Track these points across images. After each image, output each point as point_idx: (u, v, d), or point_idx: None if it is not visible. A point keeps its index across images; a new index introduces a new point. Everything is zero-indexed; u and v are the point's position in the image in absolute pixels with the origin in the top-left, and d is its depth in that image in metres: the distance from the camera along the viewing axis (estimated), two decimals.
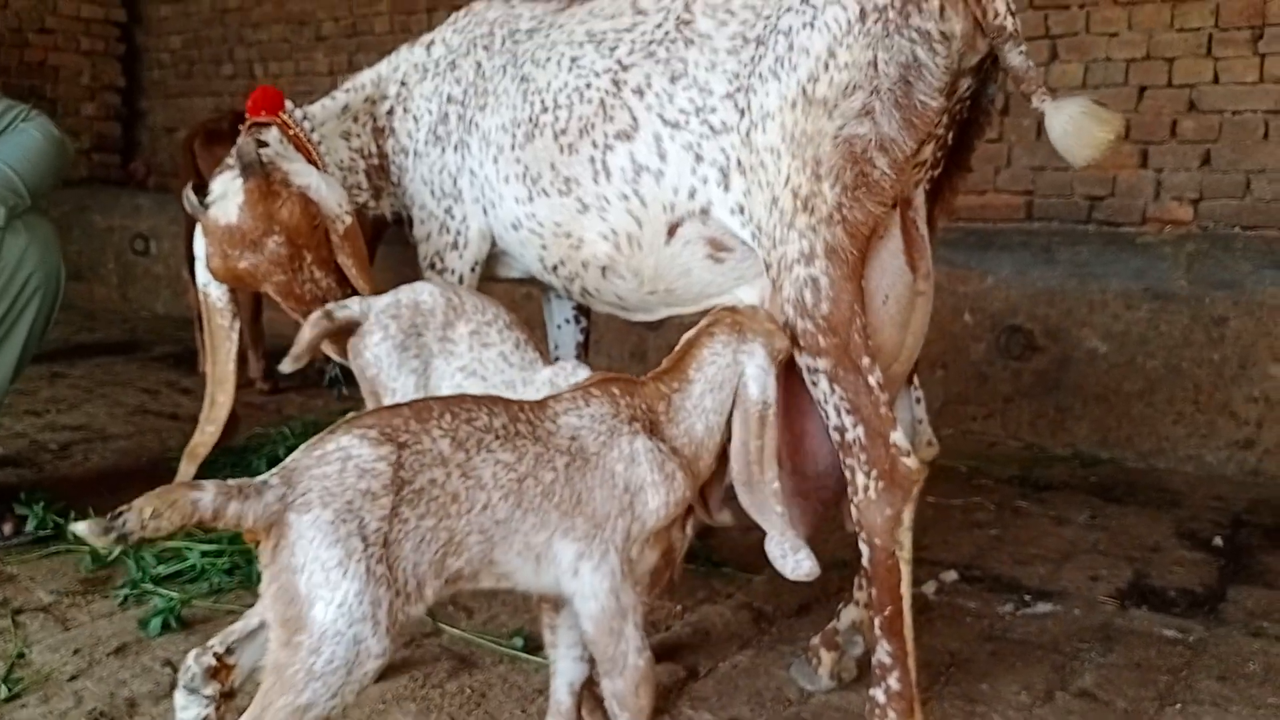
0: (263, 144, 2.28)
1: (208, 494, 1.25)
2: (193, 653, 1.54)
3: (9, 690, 1.96)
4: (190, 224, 4.41)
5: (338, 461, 1.32)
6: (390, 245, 4.88)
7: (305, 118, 2.45)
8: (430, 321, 1.99)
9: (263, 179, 2.16)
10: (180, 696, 1.54)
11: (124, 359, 5.11)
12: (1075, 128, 1.64)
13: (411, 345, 1.98)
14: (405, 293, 2.04)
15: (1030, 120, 4.41)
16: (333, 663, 1.27)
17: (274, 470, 1.33)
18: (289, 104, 2.45)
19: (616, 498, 1.53)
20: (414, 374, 1.96)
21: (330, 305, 2.03)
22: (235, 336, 2.39)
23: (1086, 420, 3.82)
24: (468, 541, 1.40)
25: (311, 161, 2.36)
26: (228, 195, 2.18)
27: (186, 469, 2.44)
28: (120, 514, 1.21)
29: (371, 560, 1.29)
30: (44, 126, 2.63)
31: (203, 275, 2.34)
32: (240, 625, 1.55)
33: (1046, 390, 3.89)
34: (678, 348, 1.72)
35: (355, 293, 2.29)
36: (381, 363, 1.97)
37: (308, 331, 2.00)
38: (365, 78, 2.52)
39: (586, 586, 1.52)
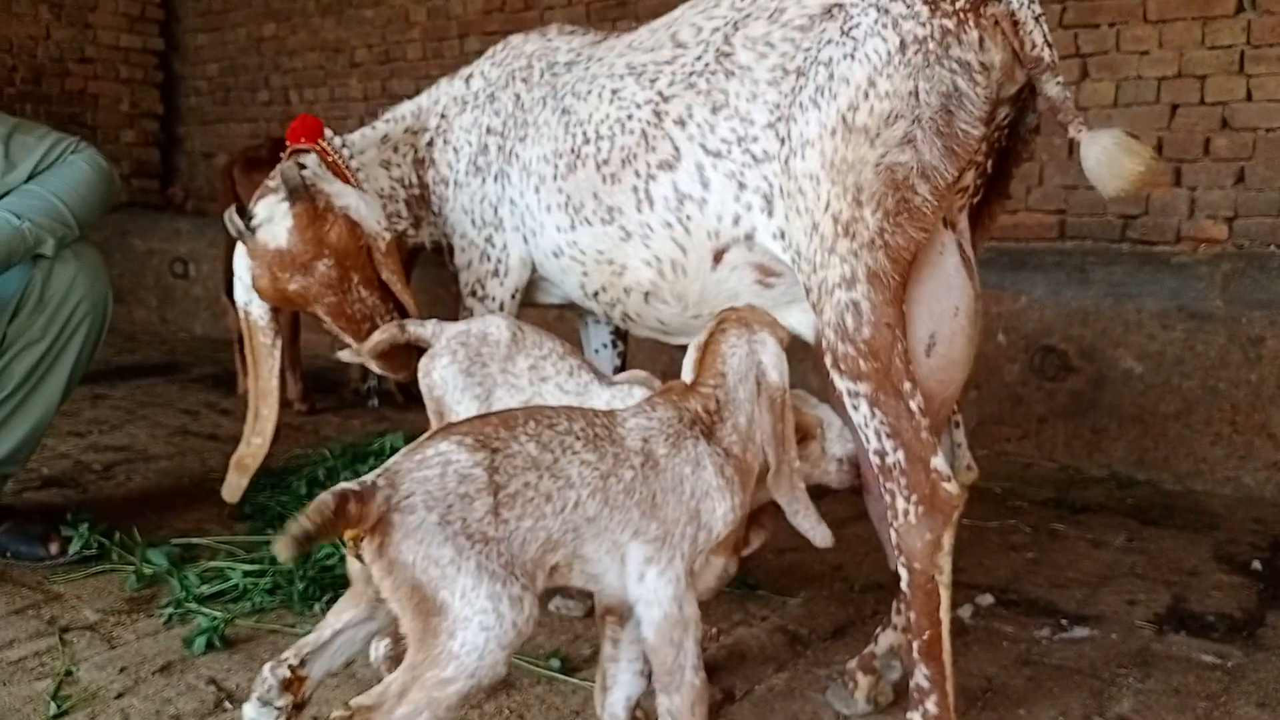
0: (302, 167, 2.33)
1: (332, 499, 1.33)
2: (268, 665, 1.58)
3: (58, 708, 2.00)
4: (229, 246, 4.49)
5: (438, 466, 1.40)
6: (424, 267, 4.94)
7: (344, 145, 2.50)
8: (495, 353, 2.08)
9: (309, 203, 2.21)
10: (251, 709, 1.58)
11: (164, 380, 5.19)
12: (1108, 159, 1.66)
13: (476, 373, 2.07)
14: (476, 323, 2.14)
15: (1062, 139, 4.41)
16: (465, 645, 1.35)
17: (377, 472, 1.41)
18: (328, 132, 2.50)
19: (684, 503, 1.60)
20: (477, 400, 2.03)
21: (408, 320, 2.12)
22: (277, 354, 2.45)
23: (1122, 441, 3.80)
24: (564, 539, 1.48)
25: (345, 180, 2.42)
26: (275, 219, 2.23)
27: (237, 481, 2.49)
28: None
29: (480, 557, 1.37)
30: (92, 158, 2.69)
31: (243, 295, 2.39)
32: (313, 637, 1.59)
33: (1082, 411, 3.87)
34: (694, 354, 1.78)
35: (400, 308, 2.35)
36: (447, 385, 2.07)
37: (379, 335, 2.14)
38: (405, 109, 2.58)
39: (651, 592, 1.57)
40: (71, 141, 2.68)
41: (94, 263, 2.69)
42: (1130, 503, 3.51)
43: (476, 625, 1.35)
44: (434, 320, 2.17)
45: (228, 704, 2.04)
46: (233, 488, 2.53)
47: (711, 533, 1.63)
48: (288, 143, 2.49)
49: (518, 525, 1.43)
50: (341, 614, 1.60)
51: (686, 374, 1.78)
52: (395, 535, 1.35)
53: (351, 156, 2.48)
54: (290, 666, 1.56)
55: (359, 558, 1.39)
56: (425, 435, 1.51)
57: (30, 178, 2.58)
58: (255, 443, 2.49)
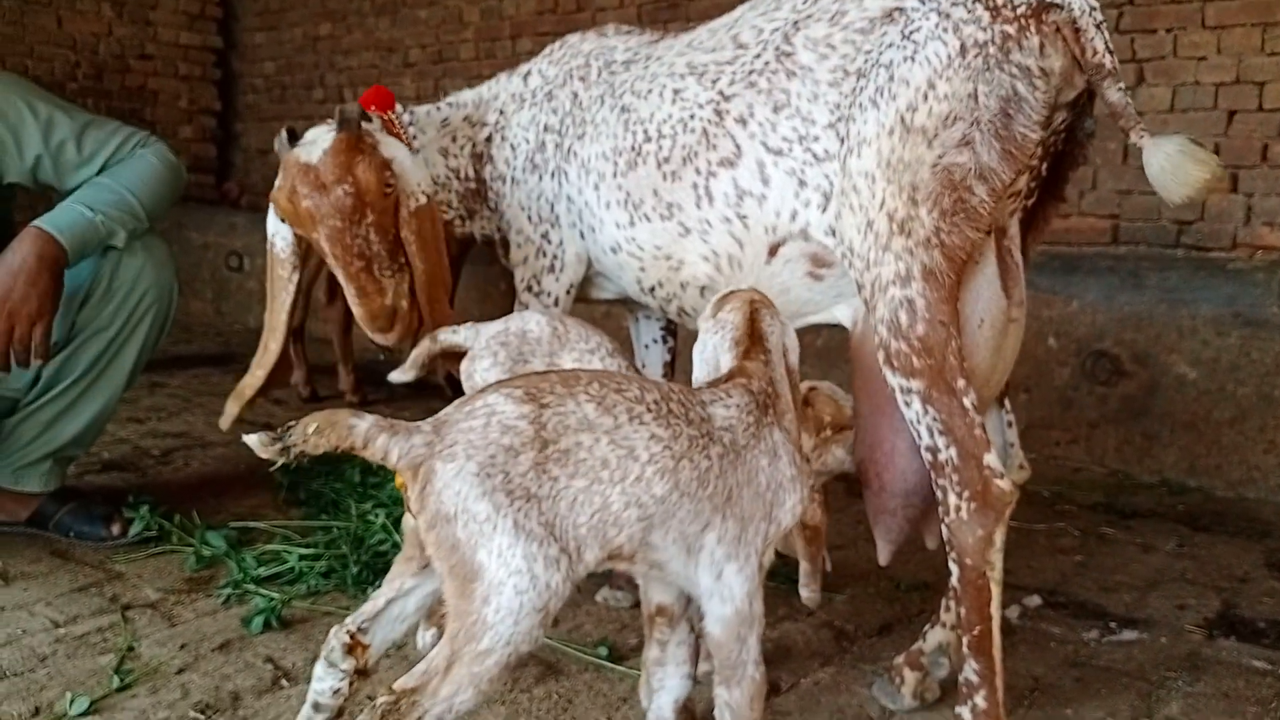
0: (367, 119, 2.38)
1: (364, 423, 1.34)
2: (334, 629, 1.62)
3: (121, 681, 2.06)
4: None
5: (483, 416, 1.37)
6: (474, 265, 4.99)
7: (412, 121, 2.54)
8: (537, 350, 2.07)
9: (354, 136, 2.26)
10: (319, 668, 1.62)
11: (219, 370, 5.29)
12: (1172, 166, 1.65)
13: (520, 372, 2.04)
14: (514, 321, 2.14)
15: (1116, 144, 4.37)
16: (500, 612, 1.32)
17: (427, 419, 1.40)
18: (399, 106, 2.55)
19: (761, 496, 1.57)
20: None
21: (439, 331, 2.14)
22: (293, 288, 2.50)
23: (1174, 448, 3.76)
24: (626, 516, 1.42)
25: None
26: (316, 142, 2.30)
27: (231, 408, 2.59)
28: (288, 427, 1.32)
29: (519, 515, 1.33)
30: (161, 153, 2.76)
31: (271, 224, 2.44)
32: (369, 606, 1.63)
33: (1133, 416, 3.84)
34: (723, 336, 1.74)
35: (408, 267, 2.36)
36: None
37: (417, 351, 2.15)
38: (467, 97, 2.61)
39: (727, 589, 1.55)
40: (142, 136, 2.75)
41: (161, 254, 2.75)
42: (1181, 509, 3.47)
43: (511, 589, 1.32)
44: (467, 325, 2.17)
45: (284, 682, 2.09)
46: (228, 416, 2.62)
47: (780, 526, 1.60)
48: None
49: (569, 484, 1.37)
50: (394, 580, 1.64)
51: (723, 353, 1.74)
52: (436, 484, 1.34)
53: (415, 136, 2.52)
54: (350, 632, 1.61)
55: (410, 510, 1.39)
56: (481, 389, 1.48)
57: (101, 170, 2.65)
58: (257, 374, 2.56)
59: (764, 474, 1.58)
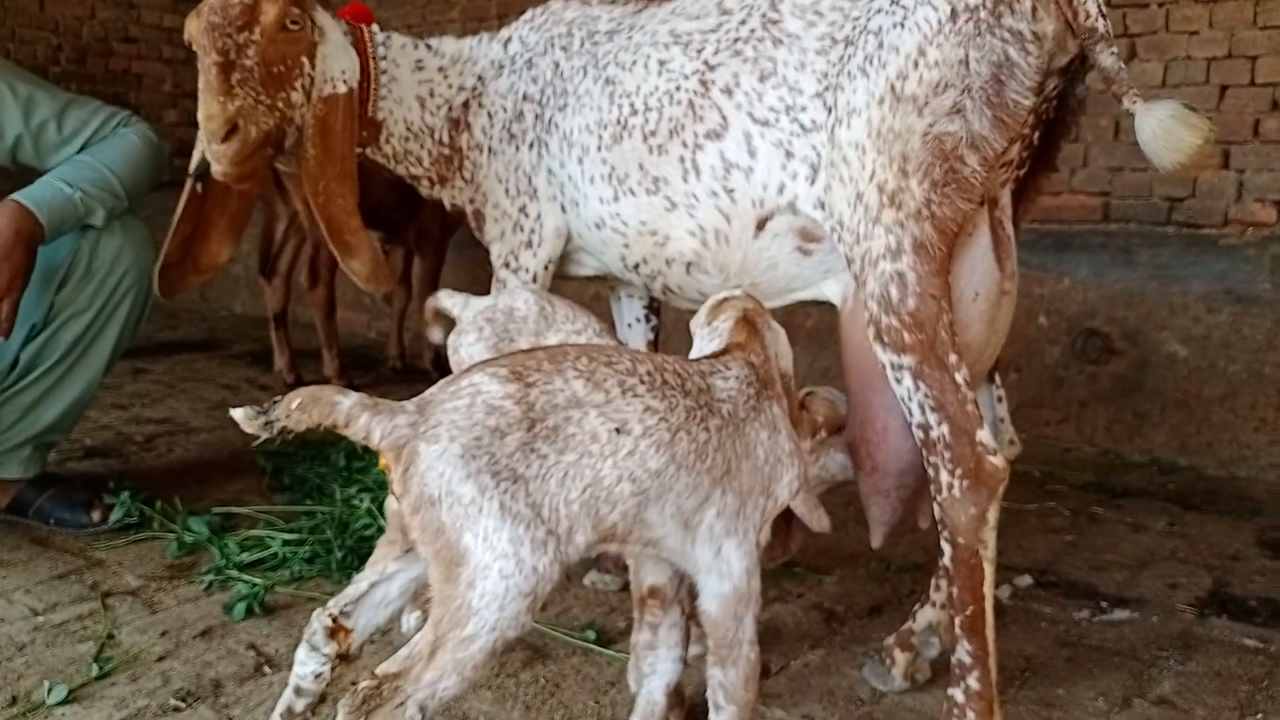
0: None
1: (348, 400, 1.31)
2: (316, 612, 1.59)
3: (100, 669, 2.03)
4: (267, 227, 4.52)
5: (468, 396, 1.34)
6: (461, 249, 4.96)
7: (384, 44, 2.46)
8: (524, 328, 2.03)
9: (293, 3, 2.22)
10: (301, 652, 1.59)
11: (204, 356, 5.24)
12: (1164, 131, 1.62)
13: (505, 350, 2.01)
14: (503, 298, 2.11)
15: (1108, 120, 4.34)
16: (485, 597, 1.29)
17: (412, 399, 1.37)
18: (376, 28, 2.48)
19: (759, 471, 1.54)
20: None
21: (440, 292, 2.13)
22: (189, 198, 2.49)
23: (1165, 426, 3.75)
24: (619, 491, 1.38)
25: (365, 75, 2.40)
26: None
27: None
28: (272, 402, 1.29)
29: (505, 496, 1.30)
30: (143, 132, 2.71)
31: (195, 157, 2.43)
32: (352, 590, 1.60)
33: (1124, 395, 3.82)
34: (732, 329, 1.70)
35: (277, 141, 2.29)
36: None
37: (429, 314, 2.20)
38: (447, 48, 2.49)
39: (725, 565, 1.52)
40: (123, 115, 2.70)
41: (140, 235, 2.71)
42: (1171, 488, 3.46)
43: (496, 573, 1.29)
44: (462, 297, 2.15)
45: (267, 668, 2.06)
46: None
47: (777, 502, 1.57)
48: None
49: (558, 460, 1.34)
50: (376, 564, 1.61)
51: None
52: (419, 465, 1.30)
53: (384, 62, 2.45)
54: (332, 616, 1.58)
55: (394, 492, 1.36)
56: (466, 368, 1.45)
57: (82, 150, 2.60)
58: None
59: (763, 447, 1.55)
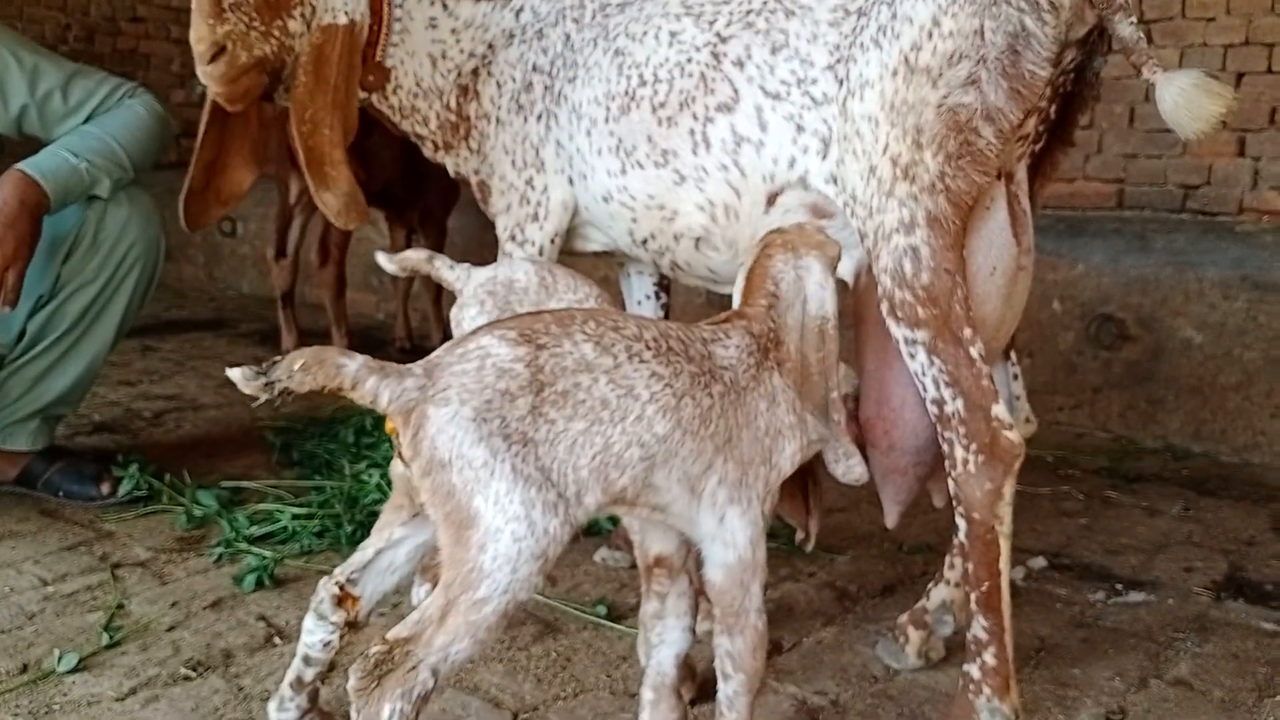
0: None
1: (354, 363, 1.29)
2: (323, 580, 1.58)
3: (110, 638, 2.02)
4: (282, 205, 4.51)
5: (476, 359, 1.32)
6: (466, 214, 4.92)
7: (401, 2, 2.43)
8: (525, 300, 2.01)
9: None
10: (309, 620, 1.59)
11: (212, 335, 5.23)
12: (1186, 100, 1.60)
13: None
14: (503, 269, 2.08)
15: (1123, 106, 4.31)
16: (497, 559, 1.28)
17: (418, 362, 1.35)
18: None
19: (760, 441, 1.52)
20: None
21: (439, 258, 2.09)
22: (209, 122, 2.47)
23: (1179, 413, 3.72)
24: (629, 456, 1.38)
25: (378, 18, 2.37)
26: None
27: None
28: (273, 362, 1.27)
29: (516, 460, 1.29)
30: (148, 103, 2.70)
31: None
32: (358, 557, 1.59)
33: (1138, 381, 3.79)
34: (741, 280, 1.69)
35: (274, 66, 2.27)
36: None
37: (412, 253, 2.12)
38: (462, 10, 2.44)
39: (729, 534, 1.51)
40: (129, 86, 2.69)
41: (146, 206, 2.69)
42: (1186, 474, 3.44)
43: (509, 536, 1.28)
44: (464, 267, 2.13)
45: (278, 639, 2.06)
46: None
47: (781, 474, 1.56)
48: None
49: (567, 427, 1.33)
50: (383, 530, 1.59)
51: (736, 294, 1.70)
52: (429, 429, 1.29)
53: (400, 5, 2.41)
54: (339, 583, 1.57)
55: (401, 456, 1.34)
56: (472, 330, 1.43)
57: (88, 120, 2.59)
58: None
59: (762, 418, 1.53)
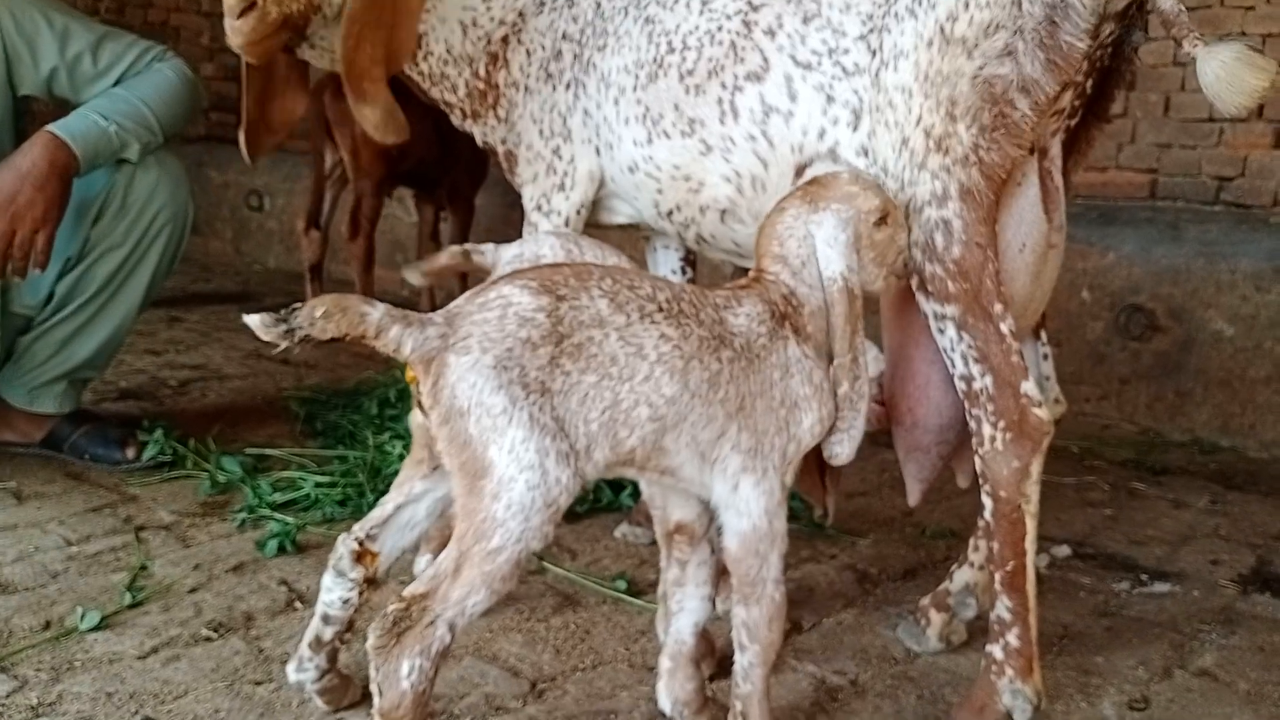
0: None
1: (377, 311, 1.30)
2: (340, 537, 1.58)
3: (133, 598, 2.04)
4: (317, 179, 4.51)
5: (498, 308, 1.33)
6: (492, 192, 4.92)
7: None
8: None
9: None
10: (327, 578, 1.59)
11: (237, 308, 5.20)
12: (1228, 74, 1.56)
13: None
14: (529, 245, 2.07)
15: (1157, 95, 4.24)
16: (511, 508, 1.29)
17: (439, 311, 1.35)
18: None
19: (774, 411, 1.50)
20: None
21: (469, 245, 2.08)
22: None
23: (1208, 405, 3.67)
24: (637, 415, 1.38)
25: None
26: None
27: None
28: (293, 309, 1.26)
29: (534, 409, 1.30)
30: (178, 67, 2.70)
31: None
32: (377, 512, 1.59)
33: (1166, 373, 3.75)
34: (760, 233, 1.66)
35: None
36: None
37: (443, 258, 2.07)
38: None
39: (743, 502, 1.50)
40: (159, 50, 2.69)
41: (176, 171, 2.70)
42: (1213, 467, 3.40)
43: (523, 484, 1.29)
44: (492, 245, 2.12)
45: (298, 604, 2.07)
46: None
47: (800, 445, 1.53)
48: None
49: (580, 379, 1.34)
50: (402, 485, 1.59)
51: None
52: (450, 376, 1.29)
53: None
54: (358, 539, 1.57)
55: (421, 406, 1.35)
56: (490, 280, 1.43)
57: (117, 84, 2.59)
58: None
59: (777, 388, 1.51)
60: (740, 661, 1.56)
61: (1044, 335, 1.99)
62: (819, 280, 1.58)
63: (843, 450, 1.58)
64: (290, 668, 1.67)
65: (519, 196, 2.48)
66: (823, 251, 1.57)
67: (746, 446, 1.48)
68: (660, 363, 1.39)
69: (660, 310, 1.42)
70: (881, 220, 1.62)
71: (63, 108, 2.61)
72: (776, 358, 1.52)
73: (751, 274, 1.63)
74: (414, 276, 2.10)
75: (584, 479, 1.36)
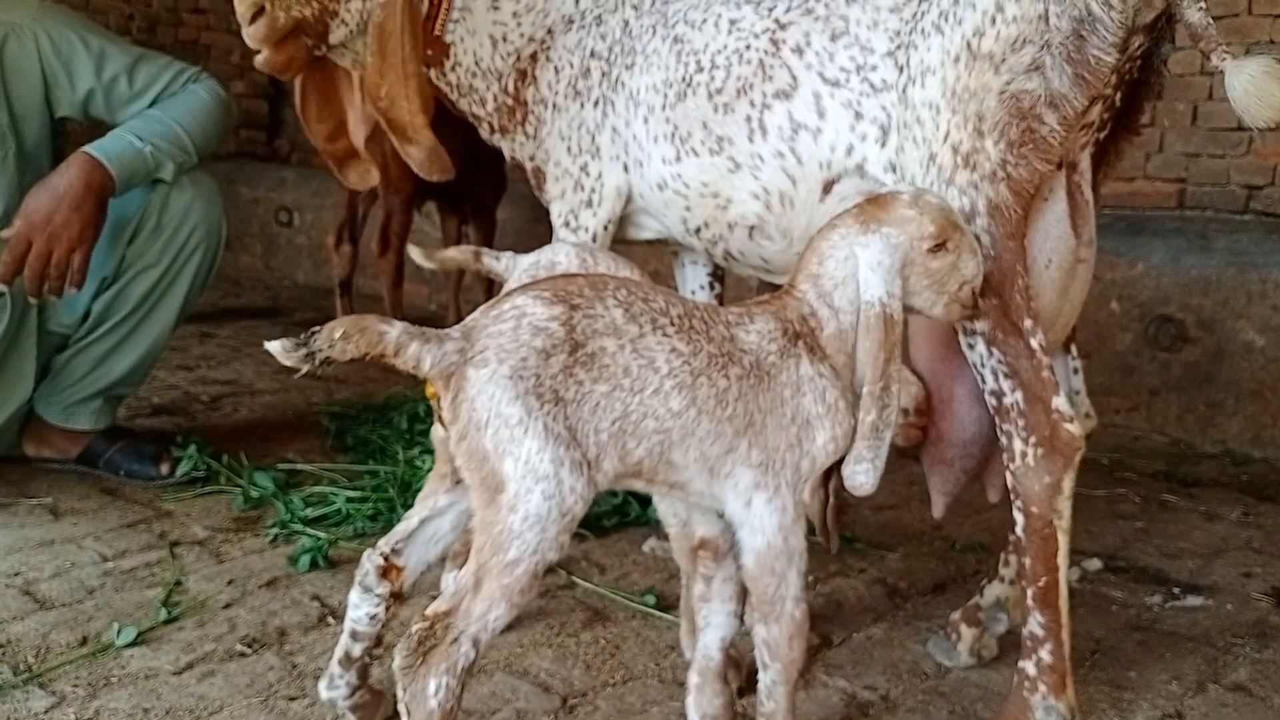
0: None
1: (395, 330, 1.32)
2: (366, 552, 1.59)
3: (168, 614, 2.06)
4: (350, 197, 4.54)
5: (512, 319, 1.34)
6: (517, 206, 4.94)
7: None
8: None
9: None
10: (354, 595, 1.61)
11: (268, 323, 5.30)
12: (1256, 88, 1.55)
13: None
14: (545, 253, 2.08)
15: (1185, 105, 4.22)
16: (528, 519, 1.31)
17: (456, 326, 1.37)
18: None
19: (785, 429, 1.49)
20: None
21: (483, 250, 2.10)
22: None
23: (1239, 417, 3.64)
24: (645, 427, 1.39)
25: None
26: None
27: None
28: (313, 332, 1.28)
29: (549, 418, 1.31)
30: (211, 88, 2.74)
31: None
32: (402, 527, 1.60)
33: (1197, 384, 3.72)
34: (805, 247, 1.63)
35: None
36: None
37: (453, 251, 2.10)
38: None
39: (757, 519, 1.49)
40: (194, 71, 2.73)
41: (210, 190, 2.74)
42: (1245, 479, 3.36)
43: (539, 495, 1.30)
44: (509, 253, 2.14)
45: (331, 619, 2.08)
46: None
47: (815, 462, 1.52)
48: None
49: (592, 388, 1.35)
50: (427, 499, 1.60)
51: None
52: (469, 390, 1.31)
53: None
54: (383, 554, 1.58)
55: (441, 421, 1.36)
56: (506, 292, 1.44)
57: (152, 105, 2.64)
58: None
59: (788, 405, 1.49)
60: (764, 680, 1.56)
61: (1074, 349, 1.99)
62: (853, 303, 1.54)
63: (866, 480, 1.53)
64: (322, 685, 1.69)
65: (544, 210, 2.50)
66: (864, 275, 1.52)
67: (757, 462, 1.48)
68: (671, 376, 1.40)
69: (672, 324, 1.43)
70: (939, 247, 1.54)
71: (98, 128, 2.65)
72: (787, 375, 1.50)
73: (784, 289, 1.62)
74: (421, 258, 2.12)
75: (597, 488, 1.38)
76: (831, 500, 2.01)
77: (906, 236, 1.53)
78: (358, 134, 2.59)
